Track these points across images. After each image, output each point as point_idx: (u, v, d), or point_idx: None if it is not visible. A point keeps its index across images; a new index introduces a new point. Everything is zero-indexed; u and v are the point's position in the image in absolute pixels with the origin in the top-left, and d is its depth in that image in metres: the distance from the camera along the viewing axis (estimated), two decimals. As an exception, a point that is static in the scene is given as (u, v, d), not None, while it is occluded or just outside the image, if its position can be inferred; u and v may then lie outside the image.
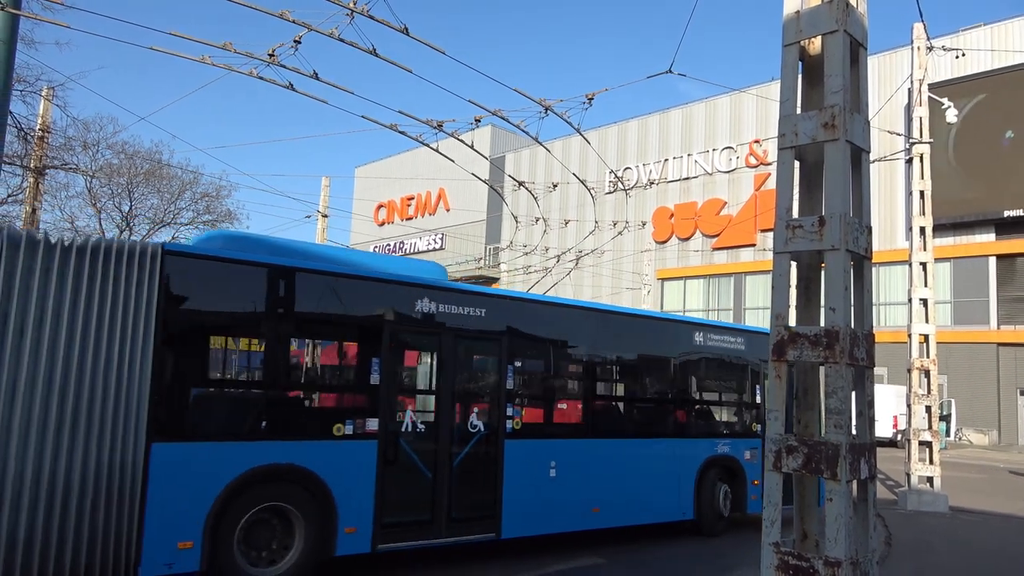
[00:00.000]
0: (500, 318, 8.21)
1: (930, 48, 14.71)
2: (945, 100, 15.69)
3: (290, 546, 6.60)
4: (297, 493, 6.59)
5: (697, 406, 10.57)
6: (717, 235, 37.43)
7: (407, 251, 53.44)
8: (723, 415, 11.03)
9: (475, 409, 7.95)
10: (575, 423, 9.15)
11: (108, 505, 5.56)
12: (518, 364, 8.39)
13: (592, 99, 10.23)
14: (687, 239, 38.82)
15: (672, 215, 39.42)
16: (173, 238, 31.54)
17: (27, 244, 5.49)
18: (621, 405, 9.92)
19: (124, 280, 5.78)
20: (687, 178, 39.40)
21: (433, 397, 7.72)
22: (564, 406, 9.23)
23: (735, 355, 10.74)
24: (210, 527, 6.02)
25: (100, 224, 30.14)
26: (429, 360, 7.97)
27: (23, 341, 5.42)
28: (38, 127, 17.32)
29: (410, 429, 7.42)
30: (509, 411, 8.11)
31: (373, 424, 7.08)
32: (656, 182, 39.57)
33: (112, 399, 5.63)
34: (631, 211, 33.46)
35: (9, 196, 21.45)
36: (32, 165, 17.82)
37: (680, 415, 10.17)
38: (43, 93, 17.21)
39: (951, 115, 15.68)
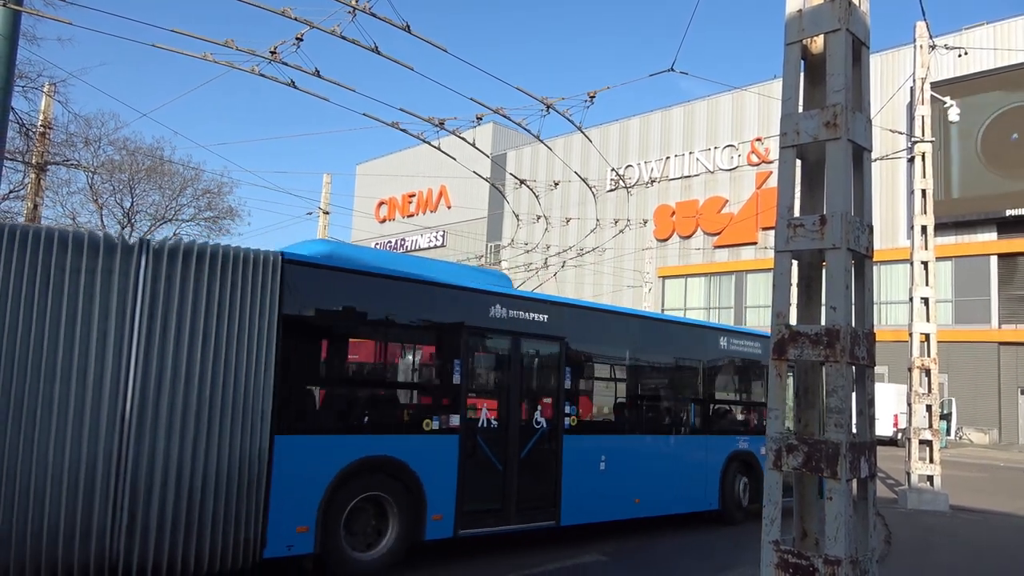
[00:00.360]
0: (559, 323, 8.82)
1: (933, 47, 14.68)
2: (948, 99, 15.68)
3: (383, 532, 7.05)
4: (393, 483, 7.16)
5: (723, 404, 11.35)
6: (718, 233, 37.41)
7: (408, 248, 53.41)
8: (743, 413, 11.76)
9: (538, 407, 8.61)
10: (621, 420, 9.97)
11: (239, 492, 6.00)
12: (574, 365, 9.00)
13: (594, 97, 10.23)
14: (688, 237, 38.80)
15: (673, 213, 39.39)
16: (175, 235, 31.56)
17: (168, 252, 5.94)
18: (660, 404, 10.56)
19: (250, 286, 6.23)
20: (689, 176, 39.37)
21: (503, 395, 8.35)
22: (612, 404, 10.04)
23: (754, 357, 11.54)
24: (322, 513, 6.55)
25: (102, 220, 30.18)
26: (500, 362, 8.58)
27: (165, 343, 5.86)
28: (40, 123, 17.30)
29: (484, 425, 8.04)
30: (567, 409, 8.76)
31: (455, 420, 7.69)
32: (658, 180, 39.54)
33: (241, 395, 6.08)
34: (632, 209, 33.44)
35: (11, 192, 21.49)
36: (33, 161, 17.80)
37: (710, 413, 10.90)
38: (45, 89, 17.20)
39: (954, 114, 15.66)
